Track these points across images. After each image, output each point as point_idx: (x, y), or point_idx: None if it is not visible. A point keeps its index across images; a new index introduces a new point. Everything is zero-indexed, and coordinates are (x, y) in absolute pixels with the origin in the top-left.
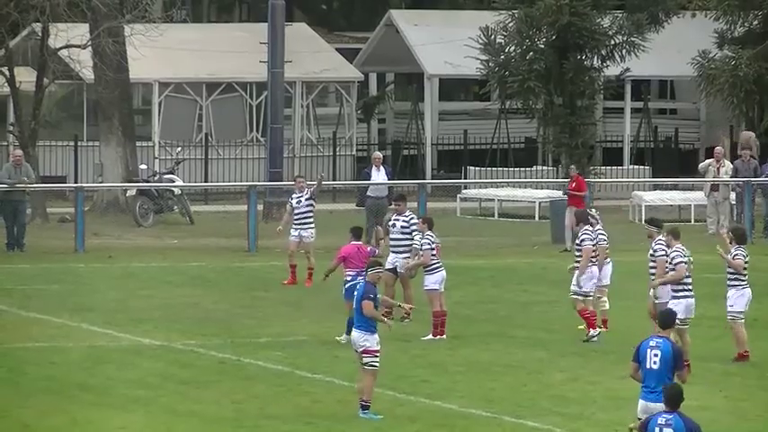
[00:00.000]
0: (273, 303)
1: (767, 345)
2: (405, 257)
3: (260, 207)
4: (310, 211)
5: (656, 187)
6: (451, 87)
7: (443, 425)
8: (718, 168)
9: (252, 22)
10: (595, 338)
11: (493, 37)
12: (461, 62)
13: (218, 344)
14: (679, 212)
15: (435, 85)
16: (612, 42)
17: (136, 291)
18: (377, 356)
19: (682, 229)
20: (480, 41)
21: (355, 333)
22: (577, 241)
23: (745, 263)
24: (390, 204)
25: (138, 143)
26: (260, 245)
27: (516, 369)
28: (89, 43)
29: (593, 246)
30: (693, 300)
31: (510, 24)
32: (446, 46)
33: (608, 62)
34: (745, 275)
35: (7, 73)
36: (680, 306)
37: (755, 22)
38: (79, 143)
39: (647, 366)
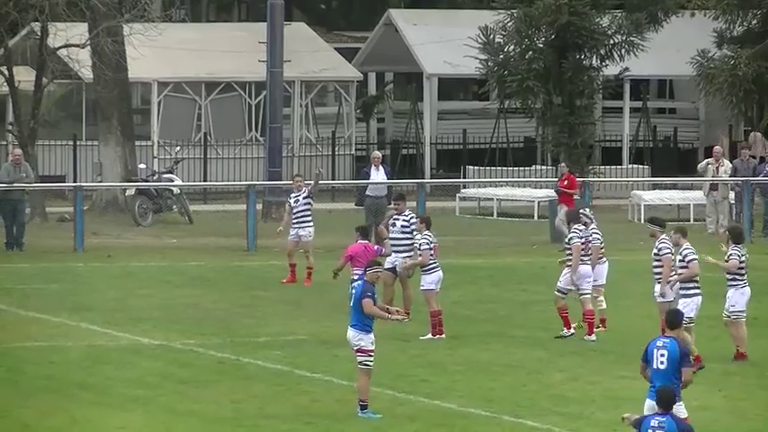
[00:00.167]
0: (273, 303)
1: (767, 344)
2: (405, 257)
3: (259, 206)
4: (308, 210)
5: (655, 187)
6: (450, 87)
7: (443, 424)
8: (717, 168)
9: (251, 22)
10: (567, 336)
11: (492, 36)
12: (460, 62)
13: (218, 343)
14: (678, 212)
15: (434, 85)
16: (611, 42)
17: (135, 290)
18: (371, 356)
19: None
20: (479, 41)
21: (351, 332)
22: (566, 239)
23: (741, 262)
24: (390, 204)
25: (137, 143)
26: (259, 244)
27: (515, 369)
28: (88, 43)
29: (583, 244)
30: (701, 298)
31: (509, 24)
32: (445, 45)
33: (607, 61)
34: (743, 274)
35: (6, 72)
36: (692, 304)
37: (754, 22)
38: (78, 142)
39: (654, 366)
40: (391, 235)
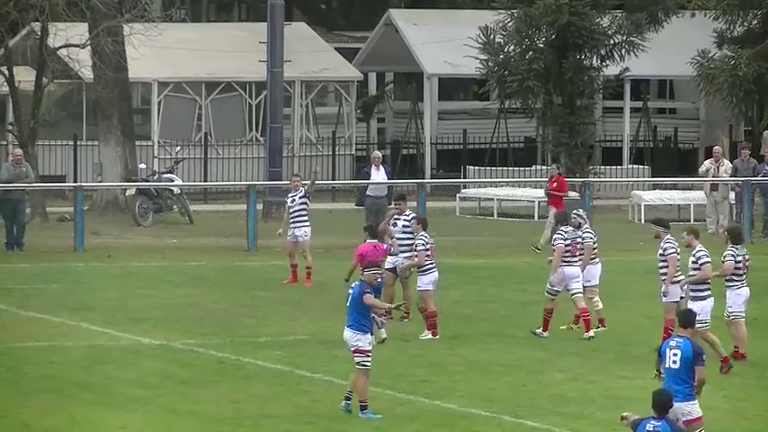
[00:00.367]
0: (273, 303)
1: (767, 344)
2: (406, 257)
3: (259, 206)
4: (304, 210)
5: (655, 187)
6: (451, 87)
7: (443, 424)
8: (717, 168)
9: (251, 22)
10: (543, 336)
11: (492, 36)
12: (461, 62)
13: (218, 343)
14: (678, 212)
15: (435, 85)
16: (612, 42)
17: (135, 290)
18: (369, 356)
19: (681, 229)
20: (479, 41)
21: (348, 332)
22: (553, 241)
23: (737, 262)
24: (390, 204)
25: (137, 142)
26: (259, 244)
27: (516, 368)
28: (88, 42)
29: (568, 246)
30: (714, 300)
31: (509, 24)
32: (445, 45)
33: (607, 62)
34: (740, 275)
35: (6, 72)
36: (707, 307)
37: (755, 22)
38: (78, 142)
39: (667, 366)
40: (391, 235)
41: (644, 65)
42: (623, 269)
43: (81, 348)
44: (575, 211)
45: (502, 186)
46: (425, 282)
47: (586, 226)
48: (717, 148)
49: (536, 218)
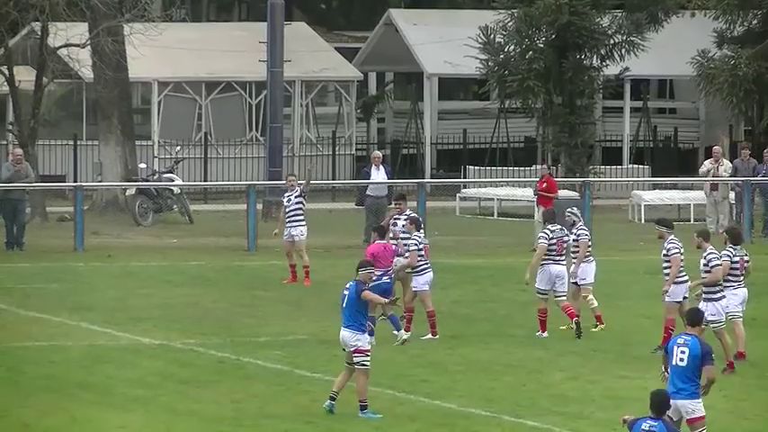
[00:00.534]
0: (273, 302)
1: (766, 344)
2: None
3: (259, 206)
4: (300, 209)
5: (655, 186)
6: (451, 87)
7: (443, 424)
8: (717, 167)
9: (251, 22)
10: (543, 336)
11: (492, 36)
12: (461, 61)
13: (218, 343)
14: (678, 212)
15: (435, 85)
16: (612, 42)
17: (135, 290)
18: (368, 356)
19: (681, 229)
20: (480, 41)
21: (346, 333)
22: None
23: (734, 263)
24: (390, 204)
25: (137, 142)
26: (259, 244)
27: (516, 368)
28: (88, 42)
29: (552, 245)
30: (725, 300)
31: (509, 24)
32: (445, 45)
33: (607, 61)
34: (737, 275)
35: (6, 72)
36: (720, 307)
37: (755, 22)
38: (78, 142)
39: (673, 363)
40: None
41: (644, 65)
42: (623, 269)
43: (81, 348)
44: (568, 210)
45: (502, 186)
46: (421, 282)
47: (581, 224)
48: (716, 148)
49: (536, 218)
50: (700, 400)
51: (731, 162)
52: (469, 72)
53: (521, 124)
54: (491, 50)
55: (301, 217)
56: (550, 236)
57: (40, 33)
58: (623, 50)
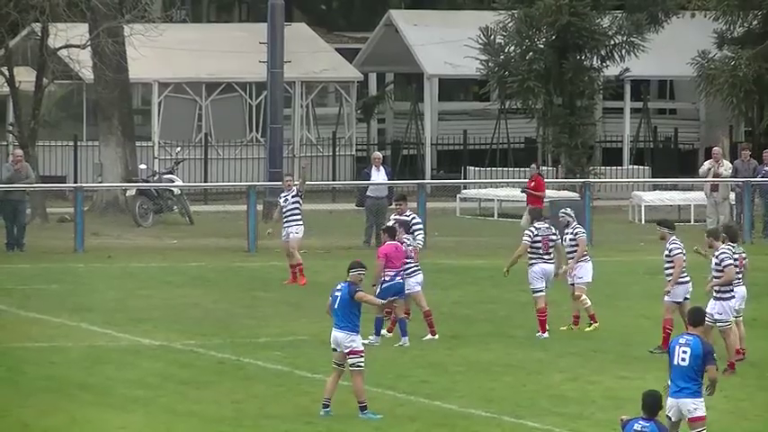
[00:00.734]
0: (273, 303)
1: (766, 344)
2: None
3: (260, 207)
4: (296, 209)
5: (655, 187)
6: (451, 87)
7: (443, 425)
8: (716, 167)
9: (251, 22)
10: (544, 337)
11: (492, 37)
12: (461, 62)
13: (218, 344)
14: (679, 212)
15: (435, 85)
16: (612, 42)
17: (135, 291)
18: (362, 356)
19: (680, 229)
20: (480, 41)
21: (340, 334)
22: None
23: (734, 260)
24: (390, 205)
25: (137, 143)
26: (260, 245)
27: (516, 369)
28: (88, 43)
29: (537, 243)
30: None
31: (509, 24)
32: (446, 46)
33: (607, 62)
34: (737, 273)
35: (7, 73)
36: (728, 306)
37: (755, 23)
38: (79, 143)
39: (675, 362)
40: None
41: (644, 65)
42: (623, 269)
43: (81, 349)
44: (562, 210)
45: (502, 187)
46: (412, 283)
47: (575, 224)
48: (716, 149)
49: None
50: (702, 399)
51: (731, 163)
52: (470, 73)
53: (521, 125)
54: (491, 51)
55: (298, 217)
56: (535, 234)
57: (40, 34)
58: (623, 51)
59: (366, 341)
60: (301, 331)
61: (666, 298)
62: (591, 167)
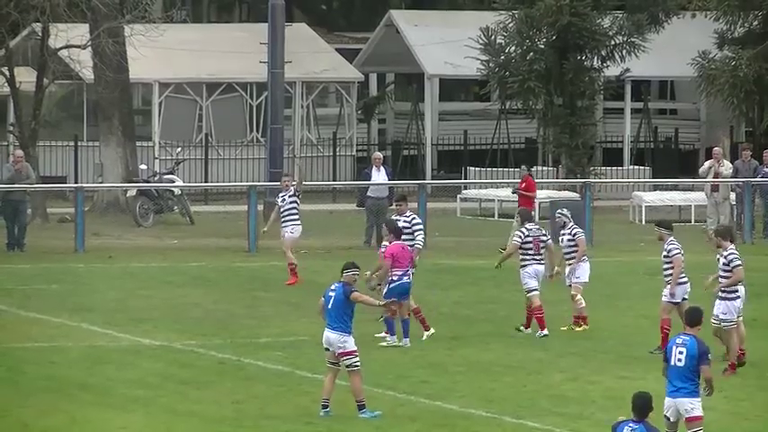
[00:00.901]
0: (273, 303)
1: (766, 345)
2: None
3: (260, 207)
4: (294, 209)
5: (656, 188)
6: (452, 88)
7: (443, 425)
8: (716, 167)
9: (252, 23)
10: (545, 335)
11: (493, 37)
12: (461, 62)
13: (218, 344)
14: (679, 213)
15: (435, 86)
16: (612, 43)
17: (136, 291)
18: (357, 356)
19: (681, 230)
20: (480, 42)
21: (333, 335)
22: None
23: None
24: (391, 205)
25: (138, 143)
26: (260, 245)
27: (516, 369)
28: (89, 43)
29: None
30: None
31: (510, 25)
32: (446, 46)
33: (608, 62)
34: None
35: (7, 73)
36: (732, 306)
37: (755, 23)
38: (79, 143)
39: (672, 363)
40: None
41: (645, 66)
42: (623, 269)
43: (81, 349)
44: (559, 211)
45: (503, 187)
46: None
47: (572, 224)
48: (716, 149)
49: (536, 219)
50: (699, 399)
51: (732, 163)
52: (470, 73)
53: (521, 125)
54: (492, 51)
55: (296, 217)
56: (525, 235)
57: (40, 34)
58: (624, 51)
59: (384, 343)
60: (302, 331)
61: (663, 298)
62: (591, 168)
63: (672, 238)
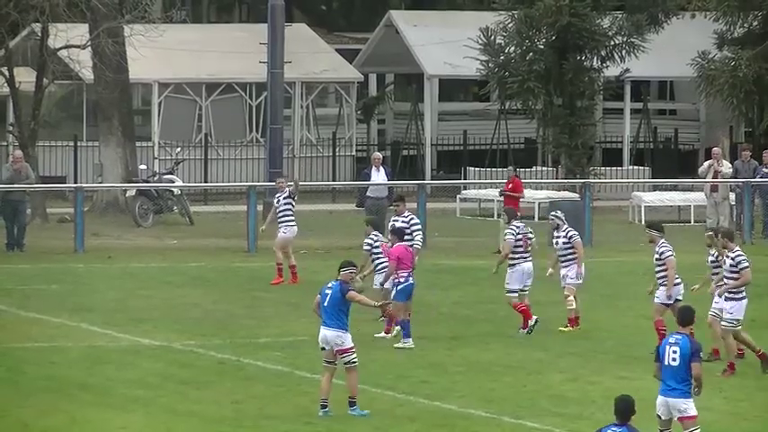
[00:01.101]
0: (273, 304)
1: (766, 345)
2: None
3: (260, 207)
4: (288, 210)
5: (655, 188)
6: (451, 88)
7: (443, 425)
8: (717, 166)
9: (251, 23)
10: (534, 326)
11: (492, 37)
12: (461, 63)
13: (218, 344)
14: (679, 213)
15: (435, 86)
16: (612, 43)
17: (135, 291)
18: (354, 353)
19: (681, 230)
20: (480, 42)
21: (330, 333)
22: (504, 236)
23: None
24: (390, 205)
25: (137, 143)
26: (260, 245)
27: (515, 369)
28: (89, 43)
29: (519, 242)
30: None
31: (510, 25)
32: (446, 46)
33: (607, 63)
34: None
35: (7, 73)
36: (737, 306)
37: (755, 23)
38: (79, 143)
39: (666, 363)
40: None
41: (644, 66)
42: (623, 270)
43: (81, 349)
44: (552, 213)
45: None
46: (380, 281)
47: (566, 227)
48: (716, 150)
49: (536, 219)
50: (691, 399)
51: (731, 163)
52: (470, 73)
53: (521, 125)
54: (491, 52)
55: (291, 217)
56: (516, 233)
57: (40, 34)
58: (623, 52)
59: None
60: (301, 331)
61: (655, 300)
62: (591, 168)
63: (663, 240)
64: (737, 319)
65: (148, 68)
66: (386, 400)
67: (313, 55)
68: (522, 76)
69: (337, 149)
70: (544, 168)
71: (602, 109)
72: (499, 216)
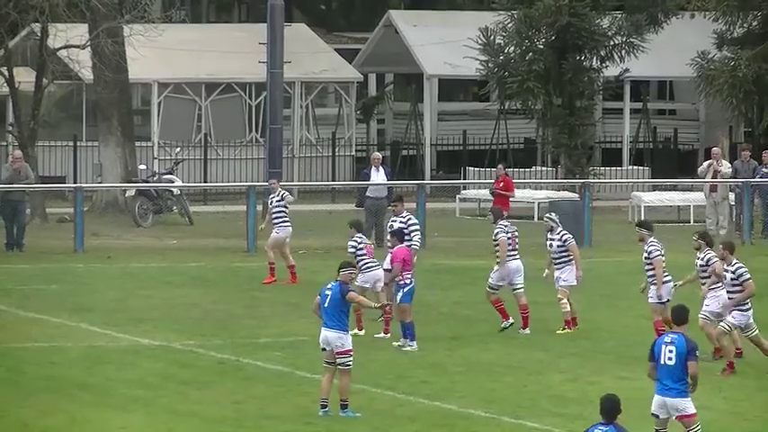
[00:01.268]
0: (273, 304)
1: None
2: None
3: (259, 207)
4: (282, 212)
5: (655, 188)
6: (451, 88)
7: (443, 425)
8: (716, 166)
9: (251, 23)
10: (508, 327)
11: (492, 37)
12: (461, 62)
13: (218, 344)
14: (678, 213)
15: (434, 86)
16: (611, 43)
17: (135, 291)
18: (351, 356)
19: (681, 230)
20: (479, 42)
21: (330, 333)
22: (493, 236)
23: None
24: (390, 205)
25: (137, 143)
26: (259, 245)
27: (516, 369)
28: (88, 43)
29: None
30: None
31: (509, 25)
32: (445, 46)
33: (607, 63)
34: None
35: (6, 73)
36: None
37: (754, 23)
38: (78, 143)
39: (662, 362)
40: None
41: (644, 66)
42: (623, 270)
43: (81, 349)
44: (546, 215)
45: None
46: (363, 279)
47: (560, 229)
48: (715, 150)
49: (535, 219)
50: (689, 398)
51: (731, 163)
52: (469, 73)
53: (520, 125)
54: (491, 52)
55: (285, 218)
56: (506, 230)
57: (39, 34)
58: (623, 52)
59: (408, 348)
60: (301, 332)
61: (651, 300)
62: (590, 168)
63: (652, 239)
64: (737, 326)
65: (148, 68)
66: (386, 400)
67: (312, 55)
68: (521, 76)
69: (337, 149)
70: (544, 168)
71: (602, 109)
72: None
